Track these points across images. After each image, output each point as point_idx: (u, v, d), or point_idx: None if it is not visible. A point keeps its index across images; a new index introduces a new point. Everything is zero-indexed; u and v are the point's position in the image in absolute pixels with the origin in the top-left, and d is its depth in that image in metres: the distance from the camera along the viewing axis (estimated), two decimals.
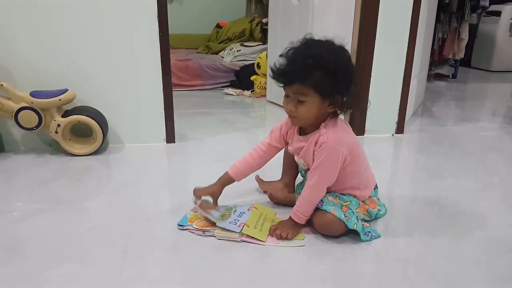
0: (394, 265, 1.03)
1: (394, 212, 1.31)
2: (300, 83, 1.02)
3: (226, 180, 1.26)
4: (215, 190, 1.25)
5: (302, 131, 1.16)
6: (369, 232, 1.12)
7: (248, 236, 1.11)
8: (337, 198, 1.14)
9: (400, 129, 2.13)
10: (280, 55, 1.05)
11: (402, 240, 1.15)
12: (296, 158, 1.21)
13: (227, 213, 1.21)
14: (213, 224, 1.16)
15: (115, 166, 1.69)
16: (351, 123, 2.15)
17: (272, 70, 1.05)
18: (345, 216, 1.09)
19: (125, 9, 1.74)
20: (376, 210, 1.21)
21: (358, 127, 2.10)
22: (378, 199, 1.26)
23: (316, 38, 1.06)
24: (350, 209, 1.11)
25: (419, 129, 2.28)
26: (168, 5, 1.80)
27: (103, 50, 1.77)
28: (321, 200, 1.12)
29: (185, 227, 1.17)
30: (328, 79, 1.01)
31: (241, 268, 1.00)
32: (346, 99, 1.07)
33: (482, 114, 2.77)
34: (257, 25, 3.91)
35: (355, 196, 1.17)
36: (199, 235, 1.14)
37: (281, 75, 1.04)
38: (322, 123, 1.09)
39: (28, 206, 1.30)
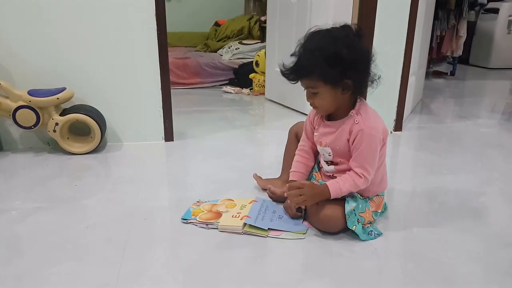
0: (393, 260, 1.04)
1: (393, 208, 1.31)
2: (306, 77, 1.06)
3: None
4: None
5: (329, 117, 1.16)
6: (372, 231, 1.12)
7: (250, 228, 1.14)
8: (344, 200, 1.12)
9: (398, 126, 2.13)
10: (291, 55, 1.08)
11: (401, 236, 1.15)
12: (319, 148, 1.19)
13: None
14: (216, 217, 1.18)
15: (113, 165, 1.69)
16: None
17: (280, 70, 1.09)
18: (347, 215, 1.09)
19: (123, 7, 1.73)
20: (379, 211, 1.20)
21: None
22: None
23: (321, 28, 1.06)
24: (354, 212, 1.10)
25: (417, 126, 2.29)
26: (166, 3, 1.79)
27: (101, 49, 1.77)
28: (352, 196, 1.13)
29: (189, 221, 1.18)
30: (331, 67, 1.01)
31: (241, 265, 1.00)
32: (361, 79, 1.07)
33: (480, 111, 2.77)
34: (255, 23, 3.91)
35: (362, 195, 1.15)
36: (202, 227, 1.15)
37: (289, 73, 1.08)
38: (352, 110, 1.10)
39: (27, 204, 1.30)
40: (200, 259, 1.02)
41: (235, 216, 1.18)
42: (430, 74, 3.96)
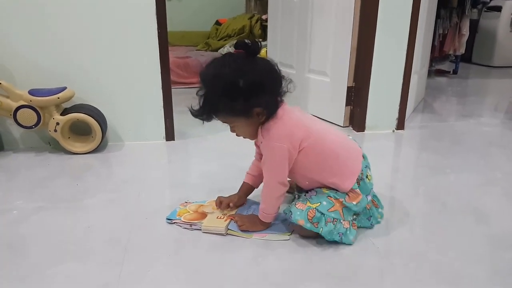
0: (395, 261, 1.03)
1: (396, 208, 1.31)
2: (216, 117, 1.05)
3: (246, 189, 1.26)
4: (239, 199, 1.25)
5: None
6: (341, 233, 1.05)
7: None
8: (307, 201, 1.07)
9: (400, 125, 2.12)
10: (197, 94, 1.06)
11: (403, 235, 1.14)
12: None
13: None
14: (201, 217, 1.17)
15: (114, 164, 1.69)
16: (352, 119, 2.15)
17: (191, 112, 1.07)
18: (313, 223, 1.04)
19: (124, 7, 1.73)
20: (357, 203, 1.07)
21: (359, 123, 2.09)
22: (376, 198, 1.19)
23: (214, 63, 1.03)
24: (319, 212, 1.04)
25: (420, 125, 2.28)
26: (167, 2, 1.79)
27: (102, 48, 1.76)
28: (290, 211, 1.07)
29: (173, 221, 1.17)
30: (233, 101, 0.99)
31: (242, 265, 1.00)
32: (269, 101, 1.03)
33: (483, 109, 2.76)
34: (256, 21, 3.90)
35: (333, 190, 1.09)
36: (186, 228, 1.15)
37: (198, 116, 1.06)
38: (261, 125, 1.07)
39: (28, 204, 1.30)
40: (201, 259, 1.02)
41: (220, 218, 1.17)
42: (433, 72, 3.94)
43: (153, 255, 1.04)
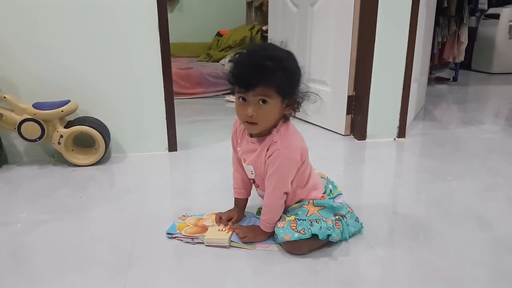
0: (398, 267, 1.03)
1: (398, 215, 1.31)
2: (263, 84, 0.97)
3: (243, 204, 1.26)
4: (239, 215, 1.24)
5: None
6: (330, 228, 1.06)
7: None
8: (285, 217, 1.10)
9: (401, 133, 2.13)
10: (230, 61, 1.03)
11: (406, 242, 1.15)
12: (244, 164, 1.15)
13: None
14: (202, 231, 1.16)
15: (118, 175, 1.70)
16: (353, 128, 2.16)
17: (233, 74, 0.99)
18: (299, 231, 1.04)
19: (126, 19, 1.75)
20: (326, 199, 1.15)
21: (360, 132, 2.10)
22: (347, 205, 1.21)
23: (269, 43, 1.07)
24: (300, 219, 1.07)
25: (421, 132, 2.28)
26: (169, 14, 1.81)
27: (105, 60, 1.78)
28: (275, 233, 1.10)
29: (174, 235, 1.16)
30: (287, 80, 1.00)
31: (246, 274, 1.00)
32: (302, 99, 1.07)
33: (484, 116, 2.77)
34: (257, 32, 3.94)
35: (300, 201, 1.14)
36: (187, 242, 1.14)
37: (244, 78, 0.98)
38: (274, 128, 1.06)
39: (32, 217, 1.31)
40: (205, 269, 1.02)
41: (222, 230, 1.16)
42: (433, 80, 3.97)
43: (157, 265, 1.04)
